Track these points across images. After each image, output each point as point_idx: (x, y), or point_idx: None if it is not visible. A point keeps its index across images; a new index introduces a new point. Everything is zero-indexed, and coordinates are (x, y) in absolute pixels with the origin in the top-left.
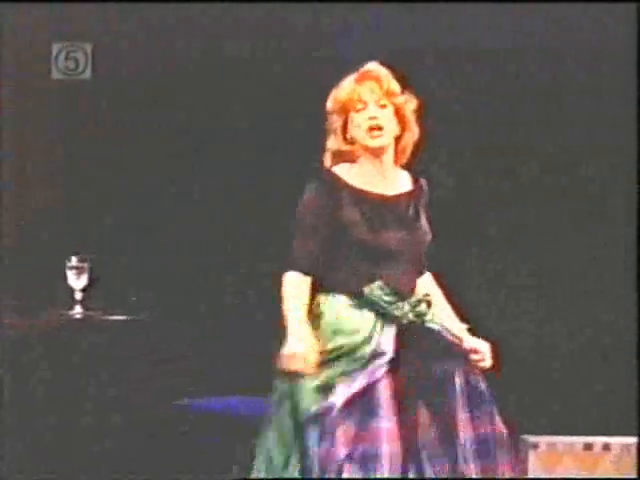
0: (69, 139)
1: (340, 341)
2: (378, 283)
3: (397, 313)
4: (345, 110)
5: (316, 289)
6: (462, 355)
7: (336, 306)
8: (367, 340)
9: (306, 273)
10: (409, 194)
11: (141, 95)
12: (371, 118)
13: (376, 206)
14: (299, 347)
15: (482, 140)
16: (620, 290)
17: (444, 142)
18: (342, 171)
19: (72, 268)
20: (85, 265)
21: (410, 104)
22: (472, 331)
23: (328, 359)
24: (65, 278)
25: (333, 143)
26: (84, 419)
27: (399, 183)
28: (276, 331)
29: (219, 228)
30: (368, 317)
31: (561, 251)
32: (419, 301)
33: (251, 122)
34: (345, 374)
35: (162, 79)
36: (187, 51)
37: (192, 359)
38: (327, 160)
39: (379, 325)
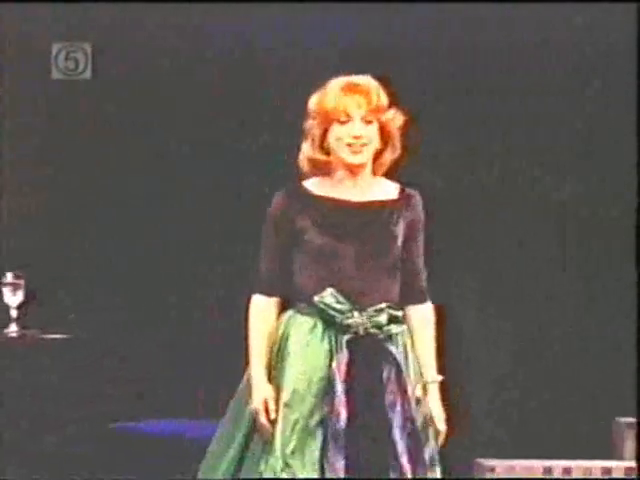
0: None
1: (296, 387)
2: (330, 290)
3: (348, 322)
4: (327, 120)
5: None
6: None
7: (296, 334)
8: (323, 384)
9: (270, 294)
10: (387, 203)
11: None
12: (355, 137)
13: (333, 210)
14: (258, 401)
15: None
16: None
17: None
18: (310, 182)
19: (7, 285)
20: (21, 282)
21: (397, 120)
22: (443, 385)
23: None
24: (0, 295)
25: (309, 150)
26: (21, 439)
27: (376, 192)
28: (222, 352)
29: (161, 243)
30: (324, 344)
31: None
32: (379, 311)
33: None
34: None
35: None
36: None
37: (134, 380)
38: (303, 165)
39: (334, 349)
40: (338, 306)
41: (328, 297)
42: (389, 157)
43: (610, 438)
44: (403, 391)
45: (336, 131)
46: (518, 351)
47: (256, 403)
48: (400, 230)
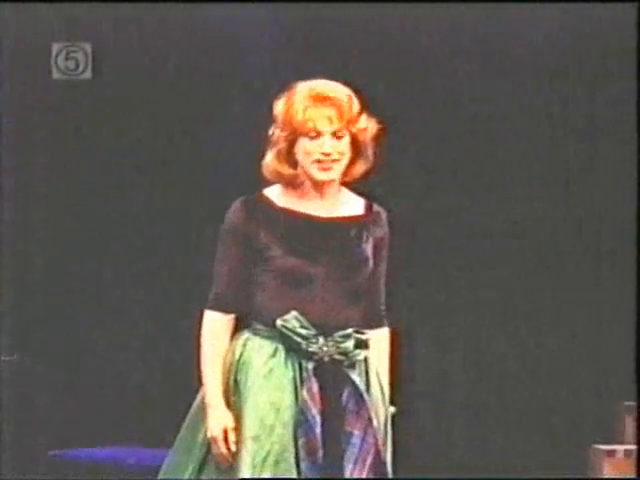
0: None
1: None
2: (294, 313)
3: (313, 349)
4: (294, 133)
5: (240, 326)
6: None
7: (256, 360)
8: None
9: (225, 311)
10: (353, 219)
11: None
12: (324, 154)
13: (300, 227)
14: (217, 429)
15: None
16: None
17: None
18: (272, 190)
19: None
20: None
21: (370, 130)
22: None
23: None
24: None
25: (274, 162)
26: None
27: (343, 206)
28: (168, 375)
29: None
30: (286, 371)
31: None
32: (345, 336)
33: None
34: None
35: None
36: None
37: (72, 405)
38: (266, 174)
39: (298, 377)
40: (302, 331)
41: (292, 321)
42: (360, 169)
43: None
44: (364, 421)
45: (304, 146)
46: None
47: (214, 431)
48: (370, 249)
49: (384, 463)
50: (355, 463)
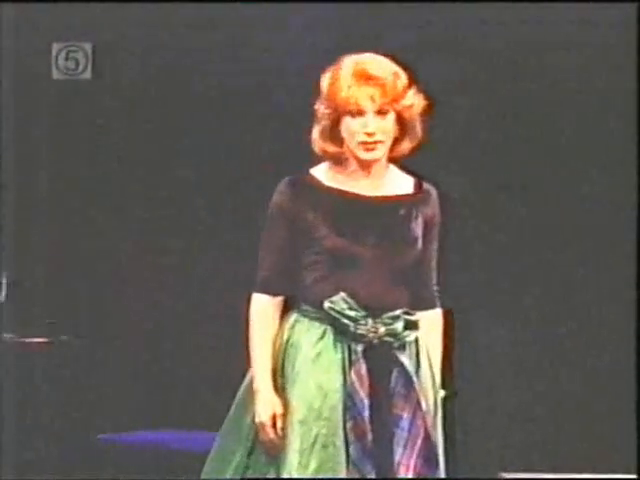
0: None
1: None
2: (342, 295)
3: (362, 331)
4: (338, 110)
5: (288, 308)
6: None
7: (305, 343)
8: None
9: (273, 293)
10: (402, 197)
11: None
12: (368, 134)
13: (346, 207)
14: (265, 415)
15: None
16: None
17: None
18: (319, 169)
19: None
20: (2, 281)
21: (416, 106)
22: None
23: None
24: None
25: (319, 139)
26: None
27: (391, 185)
28: (217, 358)
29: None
30: (336, 354)
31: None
32: (394, 318)
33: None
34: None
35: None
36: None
37: (118, 387)
38: (315, 148)
39: (347, 359)
40: (351, 313)
41: (340, 302)
42: (407, 146)
43: None
44: (413, 404)
45: (348, 124)
46: (536, 355)
47: (263, 417)
48: (419, 229)
49: (434, 446)
50: (404, 447)
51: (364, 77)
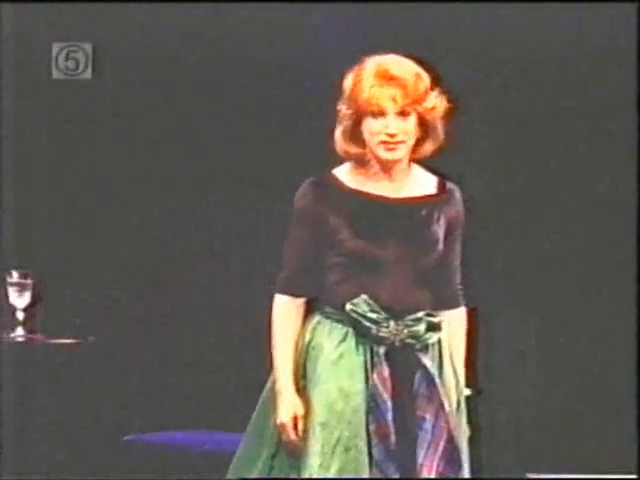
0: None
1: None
2: (364, 297)
3: (384, 333)
4: (359, 111)
5: (311, 309)
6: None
7: (327, 345)
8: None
9: (296, 295)
10: (424, 198)
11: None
12: (389, 135)
13: (368, 209)
14: (286, 416)
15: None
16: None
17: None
18: (342, 170)
19: (13, 285)
20: (28, 282)
21: (439, 108)
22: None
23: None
24: (5, 296)
25: (341, 140)
26: (25, 450)
27: (413, 185)
28: (241, 359)
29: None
30: (358, 356)
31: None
32: (416, 320)
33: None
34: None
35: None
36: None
37: (146, 388)
38: (338, 149)
39: (369, 361)
40: (373, 315)
41: (362, 305)
42: (429, 148)
43: None
44: (436, 406)
45: (369, 125)
46: (559, 356)
47: (284, 418)
48: (441, 230)
49: (457, 448)
50: (428, 449)
51: (386, 78)
